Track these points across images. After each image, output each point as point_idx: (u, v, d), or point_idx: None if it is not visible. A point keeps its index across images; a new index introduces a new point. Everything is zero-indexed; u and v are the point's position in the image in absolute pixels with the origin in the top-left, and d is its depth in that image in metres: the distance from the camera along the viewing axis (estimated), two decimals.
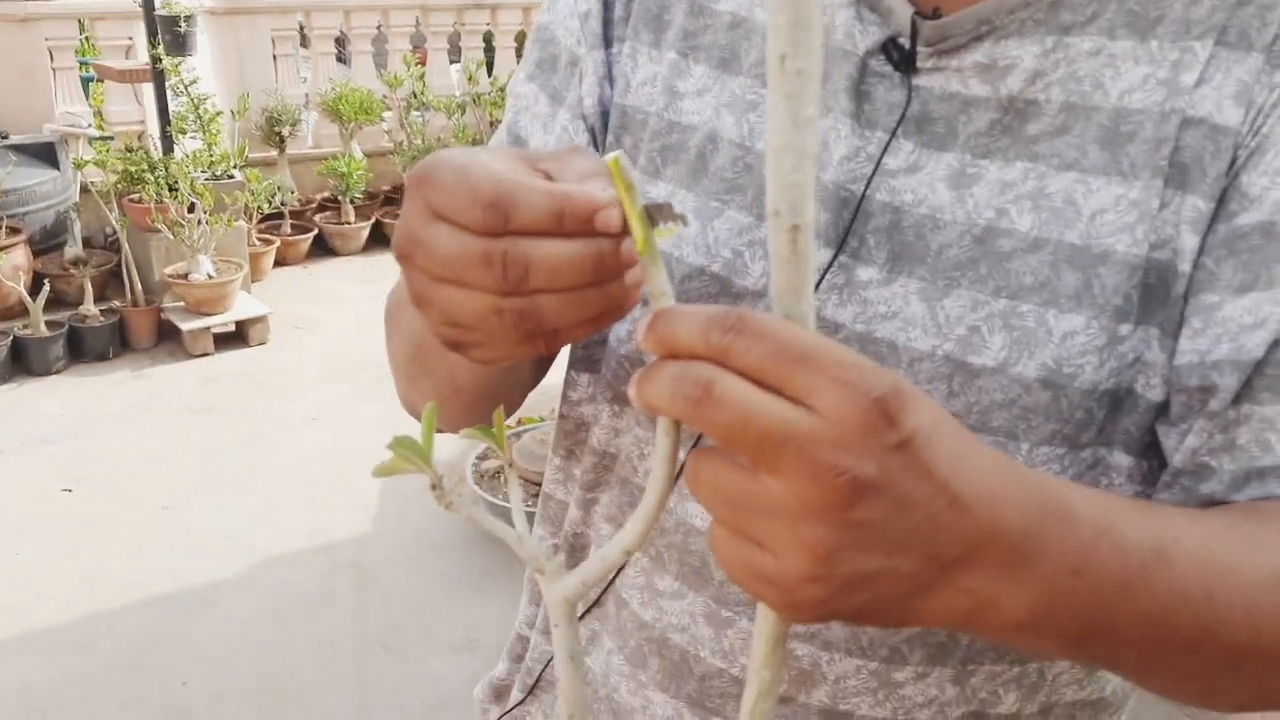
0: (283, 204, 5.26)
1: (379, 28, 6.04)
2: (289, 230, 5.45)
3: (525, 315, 0.47)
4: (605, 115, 0.73)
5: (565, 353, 0.80)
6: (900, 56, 0.63)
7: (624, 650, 0.76)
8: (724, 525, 0.43)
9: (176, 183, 4.41)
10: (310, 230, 5.55)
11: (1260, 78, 0.58)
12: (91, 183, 4.51)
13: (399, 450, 0.45)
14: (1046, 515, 0.44)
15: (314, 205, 5.73)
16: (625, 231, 0.45)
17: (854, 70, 0.64)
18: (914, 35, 0.62)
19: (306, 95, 5.84)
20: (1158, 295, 0.60)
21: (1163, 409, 0.61)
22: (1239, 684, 0.52)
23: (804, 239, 0.38)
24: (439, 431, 0.70)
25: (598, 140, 0.74)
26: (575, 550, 0.80)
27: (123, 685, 2.62)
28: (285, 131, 5.52)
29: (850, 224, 0.63)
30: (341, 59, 6.24)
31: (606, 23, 0.73)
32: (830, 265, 0.64)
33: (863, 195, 0.63)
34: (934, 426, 0.41)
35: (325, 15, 5.88)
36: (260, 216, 5.08)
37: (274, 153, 5.55)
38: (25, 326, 4.21)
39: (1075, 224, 0.60)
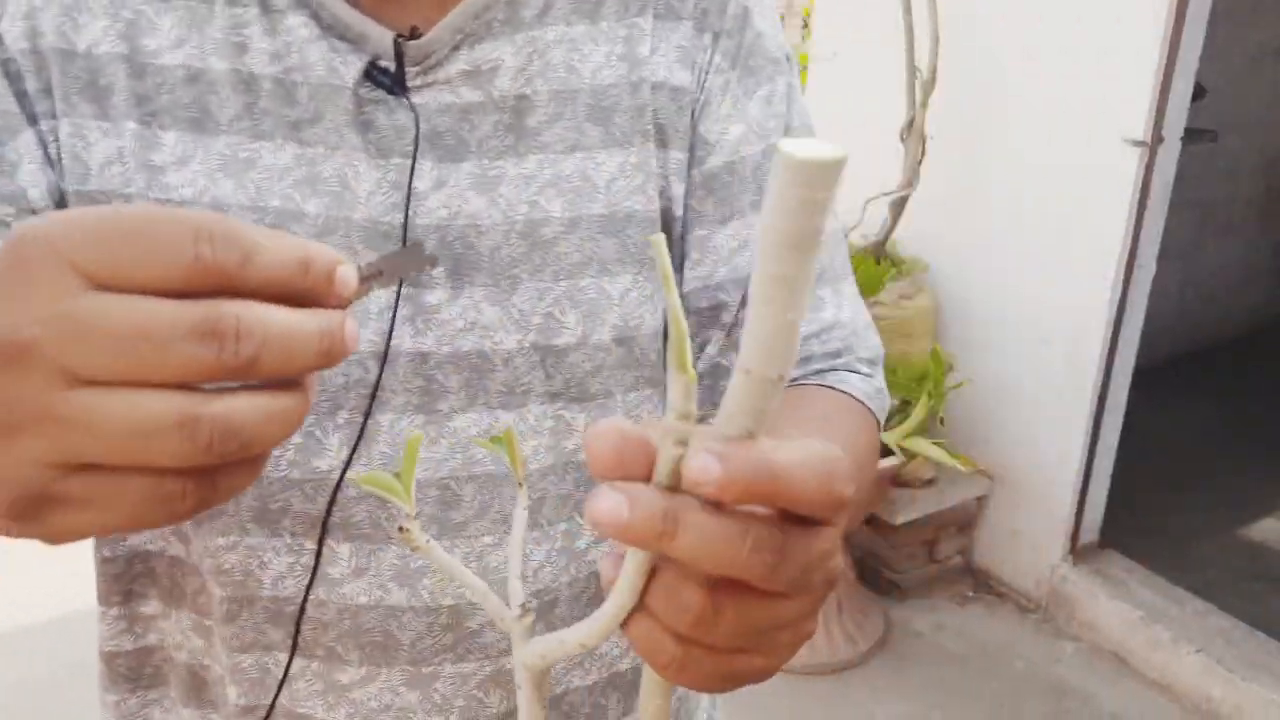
0: None
1: None
2: None
3: (226, 429, 0.33)
4: (60, 205, 0.62)
5: None
6: (391, 80, 0.62)
7: None
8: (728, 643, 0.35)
9: None
10: None
11: (695, 42, 0.68)
12: None
13: (369, 486, 0.41)
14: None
15: None
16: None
17: (349, 103, 0.62)
18: (400, 58, 0.62)
19: None
20: (669, 240, 0.66)
21: None
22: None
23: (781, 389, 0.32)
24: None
25: None
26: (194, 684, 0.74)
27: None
28: None
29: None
30: None
31: (20, 95, 0.60)
32: (396, 304, 0.62)
33: (405, 223, 0.62)
34: None
35: None
36: None
37: None
38: None
39: (596, 197, 0.65)
